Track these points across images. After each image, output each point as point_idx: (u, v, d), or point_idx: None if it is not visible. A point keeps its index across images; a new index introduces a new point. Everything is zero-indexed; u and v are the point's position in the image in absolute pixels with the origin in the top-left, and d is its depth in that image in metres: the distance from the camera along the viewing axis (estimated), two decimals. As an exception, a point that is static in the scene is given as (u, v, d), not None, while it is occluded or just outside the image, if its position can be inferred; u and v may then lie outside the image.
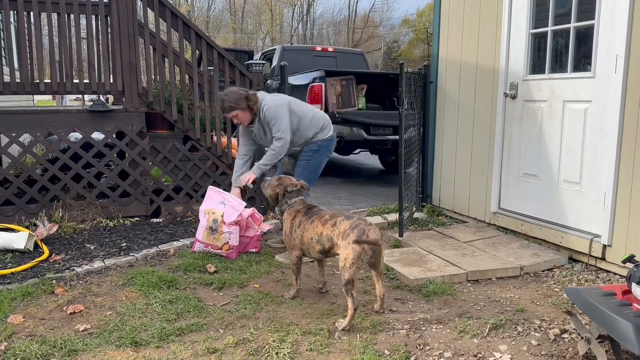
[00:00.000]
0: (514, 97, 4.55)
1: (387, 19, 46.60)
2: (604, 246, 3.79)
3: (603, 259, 3.81)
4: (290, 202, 3.50)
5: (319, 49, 9.95)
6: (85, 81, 4.89)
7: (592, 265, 3.91)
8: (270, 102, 4.07)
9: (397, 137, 6.78)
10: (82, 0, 4.73)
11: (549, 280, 3.76)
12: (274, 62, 9.26)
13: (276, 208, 3.67)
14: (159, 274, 3.63)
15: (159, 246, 4.21)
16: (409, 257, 4.09)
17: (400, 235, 4.65)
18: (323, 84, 7.60)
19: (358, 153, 9.19)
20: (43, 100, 18.80)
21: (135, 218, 4.97)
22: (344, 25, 46.35)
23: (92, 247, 4.19)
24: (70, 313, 3.12)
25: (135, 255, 4.00)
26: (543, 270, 3.93)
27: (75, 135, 4.87)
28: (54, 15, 4.69)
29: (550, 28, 4.23)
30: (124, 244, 4.26)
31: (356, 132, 7.67)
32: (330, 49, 10.13)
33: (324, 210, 3.41)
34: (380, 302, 3.22)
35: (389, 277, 3.80)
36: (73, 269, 3.71)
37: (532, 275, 3.86)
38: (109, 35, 4.92)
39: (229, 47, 28.91)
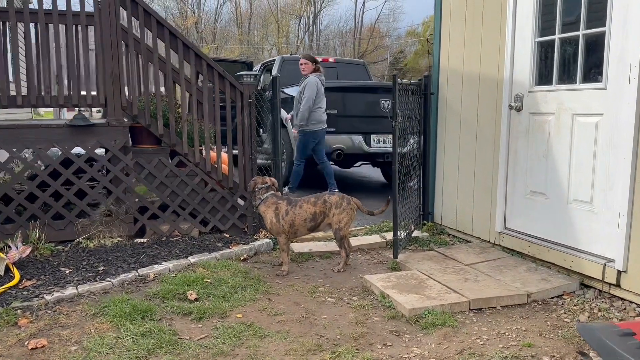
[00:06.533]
0: (519, 109, 4.26)
1: (393, 29, 46.57)
2: (619, 272, 3.47)
3: (618, 285, 3.49)
4: (262, 197, 4.15)
5: (319, 59, 9.70)
6: (64, 94, 4.63)
7: (605, 292, 3.59)
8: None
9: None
10: (62, 10, 4.50)
11: (558, 309, 3.45)
12: (274, 73, 9.03)
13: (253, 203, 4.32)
14: (134, 302, 3.35)
15: (138, 270, 3.92)
16: (407, 283, 3.78)
17: (395, 257, 4.35)
18: None
19: (359, 166, 8.93)
20: (48, 112, 18.67)
21: (118, 238, 4.68)
22: (350, 36, 46.30)
23: (67, 271, 3.92)
24: (32, 348, 2.85)
25: (112, 280, 3.72)
26: (552, 297, 3.62)
27: (54, 151, 4.62)
28: (32, 26, 4.47)
29: (557, 36, 3.95)
30: (102, 268, 3.99)
31: (356, 145, 7.47)
32: (330, 60, 9.89)
33: (301, 198, 4.16)
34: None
35: (385, 306, 3.50)
36: (42, 297, 3.43)
37: (540, 303, 3.55)
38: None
39: (227, 58, 28.53)
